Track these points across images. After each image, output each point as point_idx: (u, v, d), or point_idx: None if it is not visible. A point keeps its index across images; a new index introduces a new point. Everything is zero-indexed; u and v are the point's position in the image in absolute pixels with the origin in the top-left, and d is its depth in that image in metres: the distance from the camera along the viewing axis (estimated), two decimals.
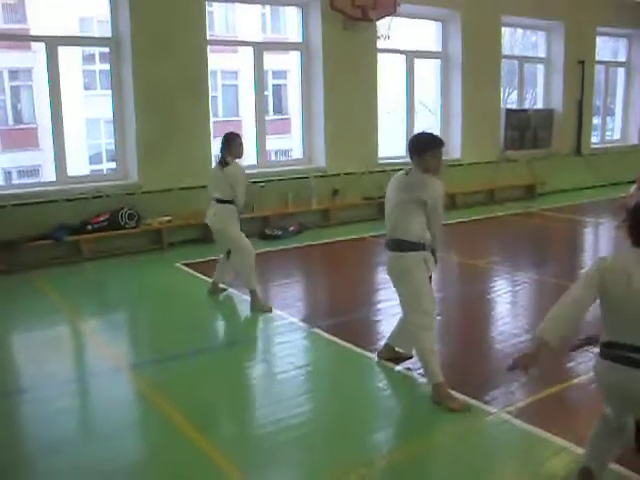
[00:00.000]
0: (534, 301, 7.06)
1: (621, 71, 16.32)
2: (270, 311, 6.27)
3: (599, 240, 10.67)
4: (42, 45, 8.93)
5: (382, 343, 5.39)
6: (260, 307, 6.32)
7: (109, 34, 9.24)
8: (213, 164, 10.20)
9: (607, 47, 16.88)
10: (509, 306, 6.81)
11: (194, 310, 6.68)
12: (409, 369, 4.86)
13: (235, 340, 5.71)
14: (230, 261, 6.63)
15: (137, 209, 9.03)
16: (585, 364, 4.99)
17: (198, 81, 9.60)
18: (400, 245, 4.36)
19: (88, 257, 8.59)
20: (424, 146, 4.37)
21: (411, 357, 4.91)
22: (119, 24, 9.10)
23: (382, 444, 3.92)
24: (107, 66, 9.52)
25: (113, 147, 9.96)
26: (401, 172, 4.47)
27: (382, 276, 8.02)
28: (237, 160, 6.45)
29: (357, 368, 5.09)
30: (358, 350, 5.29)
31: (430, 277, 4.43)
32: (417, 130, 12.75)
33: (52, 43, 8.84)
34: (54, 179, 9.05)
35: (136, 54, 8.97)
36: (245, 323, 6.12)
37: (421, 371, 4.72)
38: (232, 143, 6.41)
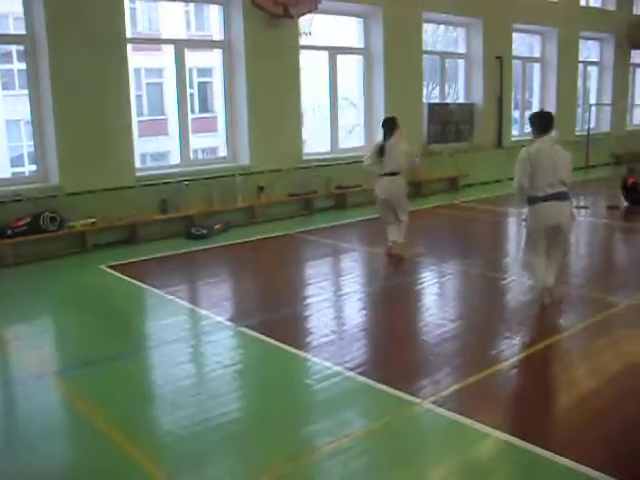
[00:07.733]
0: (459, 292, 7.22)
1: (537, 66, 16.92)
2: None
3: (520, 230, 10.95)
4: None
5: (309, 339, 5.46)
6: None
7: (24, 31, 8.96)
8: (137, 164, 10.09)
9: (524, 43, 17.40)
10: (435, 297, 6.95)
11: (120, 313, 6.58)
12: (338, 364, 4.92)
13: (161, 342, 5.64)
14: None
15: (59, 212, 8.80)
16: (505, 352, 5.16)
17: (119, 80, 9.40)
18: (568, 195, 5.90)
19: (9, 263, 8.34)
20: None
21: None
22: (34, 21, 8.82)
23: (311, 438, 3.95)
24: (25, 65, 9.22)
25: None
26: (541, 145, 5.84)
27: (309, 272, 8.11)
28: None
29: (284, 365, 5.11)
30: (285, 347, 5.32)
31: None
32: (341, 125, 12.92)
33: None
34: None
35: (53, 52, 8.73)
36: (171, 324, 6.05)
37: (350, 365, 4.82)
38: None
